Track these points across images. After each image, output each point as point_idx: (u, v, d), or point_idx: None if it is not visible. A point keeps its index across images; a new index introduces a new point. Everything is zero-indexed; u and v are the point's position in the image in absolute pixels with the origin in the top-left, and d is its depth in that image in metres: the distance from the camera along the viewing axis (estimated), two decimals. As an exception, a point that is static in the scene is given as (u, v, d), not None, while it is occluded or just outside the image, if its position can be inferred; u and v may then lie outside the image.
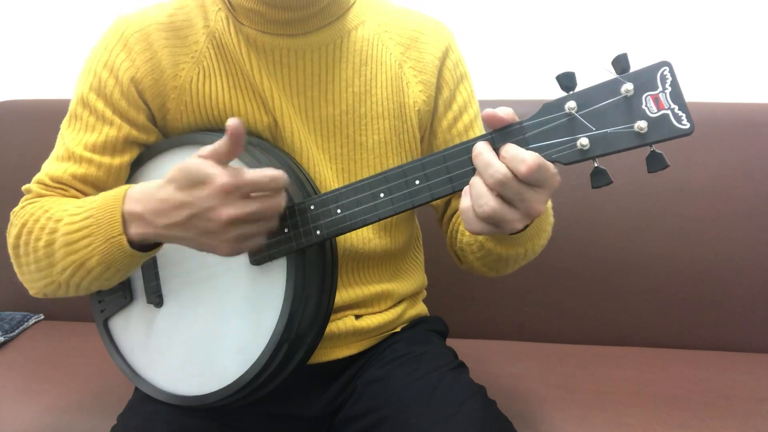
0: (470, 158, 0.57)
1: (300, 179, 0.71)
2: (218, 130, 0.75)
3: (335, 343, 0.80)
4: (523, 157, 0.53)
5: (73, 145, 0.72)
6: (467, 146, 0.57)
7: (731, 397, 0.98)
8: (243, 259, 0.68)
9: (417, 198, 0.59)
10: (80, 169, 0.72)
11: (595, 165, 0.55)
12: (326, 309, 0.71)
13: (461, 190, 0.58)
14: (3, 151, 1.31)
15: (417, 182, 0.59)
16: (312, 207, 0.64)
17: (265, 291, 0.67)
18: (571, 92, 0.54)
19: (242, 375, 0.67)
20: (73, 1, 1.47)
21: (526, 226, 0.65)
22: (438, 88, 0.81)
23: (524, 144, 0.55)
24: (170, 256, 0.73)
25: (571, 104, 0.54)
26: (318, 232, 0.63)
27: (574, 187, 1.18)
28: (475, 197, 0.56)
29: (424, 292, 0.94)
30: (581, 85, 0.54)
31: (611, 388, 1.00)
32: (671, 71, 0.52)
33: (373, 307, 0.83)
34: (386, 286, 0.83)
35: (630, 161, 1.18)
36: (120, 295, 0.76)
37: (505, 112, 0.56)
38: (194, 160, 0.58)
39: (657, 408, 0.95)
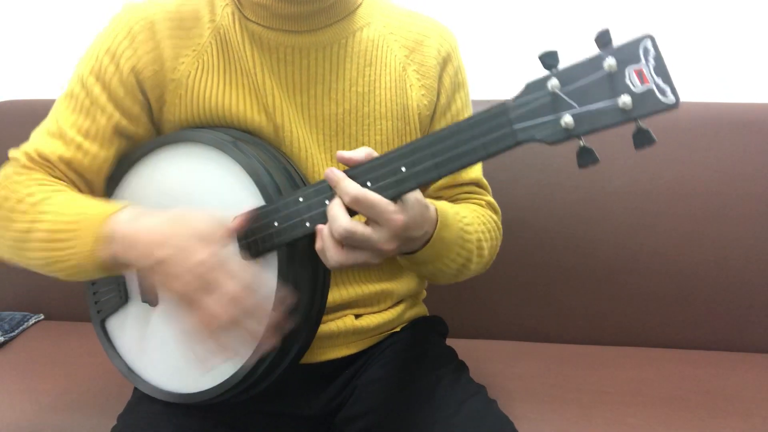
0: (455, 142, 0.56)
1: (289, 172, 0.70)
2: (210, 126, 0.75)
3: (335, 342, 0.80)
4: (339, 223, 0.57)
5: (66, 126, 0.73)
6: (453, 130, 0.57)
7: (731, 397, 0.98)
8: (233, 255, 0.67)
9: (403, 186, 0.58)
10: (68, 153, 0.72)
11: (581, 144, 0.54)
12: (320, 303, 0.71)
13: (448, 174, 0.58)
14: (3, 151, 1.31)
15: (403, 169, 0.58)
16: (300, 199, 0.63)
17: (256, 286, 0.66)
18: (554, 70, 0.53)
19: (236, 371, 0.67)
20: (73, 1, 1.47)
21: (423, 247, 0.66)
22: (438, 94, 0.81)
23: (508, 125, 0.55)
24: None
25: (553, 82, 0.53)
26: (308, 224, 0.62)
27: (573, 187, 1.18)
28: (325, 250, 0.60)
29: (424, 293, 0.94)
30: (565, 64, 0.54)
31: (611, 388, 1.00)
32: (654, 44, 0.51)
33: (372, 306, 0.83)
34: (386, 286, 0.83)
35: (629, 162, 1.19)
36: (116, 296, 0.76)
37: (359, 154, 0.60)
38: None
39: (657, 408, 0.95)
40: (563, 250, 1.19)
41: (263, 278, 0.65)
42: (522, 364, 1.10)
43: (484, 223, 0.78)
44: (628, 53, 0.51)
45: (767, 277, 1.15)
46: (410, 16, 0.82)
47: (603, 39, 0.52)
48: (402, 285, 0.85)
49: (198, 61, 0.74)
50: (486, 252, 0.76)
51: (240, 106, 0.74)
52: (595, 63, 0.52)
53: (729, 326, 1.17)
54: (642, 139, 0.52)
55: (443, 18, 0.85)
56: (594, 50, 0.52)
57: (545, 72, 0.54)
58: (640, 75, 0.51)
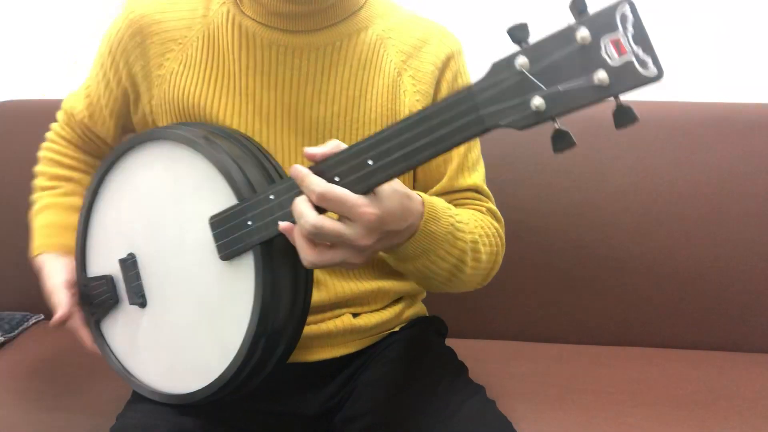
0: (421, 131, 0.53)
1: (264, 166, 0.68)
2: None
3: (333, 341, 0.80)
4: (306, 219, 0.55)
5: (92, 90, 0.85)
6: (418, 119, 0.53)
7: (731, 397, 0.98)
8: (213, 255, 0.67)
9: (373, 180, 0.55)
10: (86, 118, 0.87)
11: (556, 126, 0.49)
12: (303, 301, 0.69)
13: (417, 165, 0.54)
14: (3, 151, 1.31)
15: (370, 162, 0.55)
16: (272, 197, 0.60)
17: (236, 286, 0.65)
18: (523, 46, 0.48)
19: (224, 372, 0.66)
20: (73, 1, 1.47)
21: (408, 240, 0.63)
22: (433, 99, 0.80)
23: (474, 111, 0.50)
24: (149, 254, 0.72)
25: (521, 61, 0.48)
26: (281, 223, 0.60)
27: (574, 187, 1.18)
28: (298, 250, 0.58)
29: (424, 293, 0.94)
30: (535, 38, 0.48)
31: (611, 388, 1.00)
32: (633, 9, 0.45)
33: (370, 305, 0.83)
34: (382, 284, 0.82)
35: (629, 162, 1.18)
36: (107, 298, 0.76)
37: (326, 148, 0.57)
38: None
39: (657, 408, 0.95)
40: (563, 250, 1.19)
41: (238, 280, 0.65)
42: (522, 364, 1.09)
43: (482, 227, 0.74)
44: (603, 22, 0.45)
45: (767, 277, 1.15)
46: (414, 20, 0.81)
47: (578, 6, 0.46)
48: (399, 283, 0.85)
49: (182, 56, 0.75)
50: (483, 257, 0.72)
51: (215, 104, 0.75)
52: (566, 35, 0.47)
53: (729, 326, 1.17)
54: (622, 117, 0.46)
55: (449, 21, 0.85)
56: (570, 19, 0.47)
57: (515, 48, 0.49)
58: (618, 45, 0.45)
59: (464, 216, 0.71)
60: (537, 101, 0.48)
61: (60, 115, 0.91)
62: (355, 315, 0.81)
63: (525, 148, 1.20)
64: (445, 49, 0.80)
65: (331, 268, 0.59)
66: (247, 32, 0.74)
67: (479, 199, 0.82)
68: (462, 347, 0.89)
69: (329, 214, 0.56)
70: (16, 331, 1.22)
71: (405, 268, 0.67)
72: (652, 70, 0.44)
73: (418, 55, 0.79)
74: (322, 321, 0.79)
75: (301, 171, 0.57)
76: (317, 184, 0.55)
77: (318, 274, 0.78)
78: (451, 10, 1.35)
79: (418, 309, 0.91)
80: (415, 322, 0.89)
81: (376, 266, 0.83)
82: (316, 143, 0.75)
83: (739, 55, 1.30)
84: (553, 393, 0.99)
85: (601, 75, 0.45)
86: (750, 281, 1.15)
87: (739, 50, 1.30)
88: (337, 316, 0.80)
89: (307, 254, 0.57)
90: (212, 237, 0.66)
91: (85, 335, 0.78)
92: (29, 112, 1.34)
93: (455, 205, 0.78)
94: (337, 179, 0.56)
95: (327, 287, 0.78)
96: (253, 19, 0.75)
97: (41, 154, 0.90)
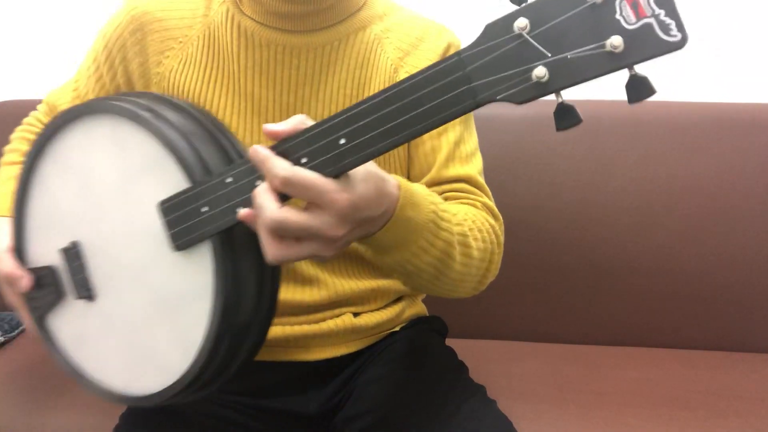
0: (404, 106, 0.46)
1: (220, 143, 0.60)
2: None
3: (333, 341, 0.80)
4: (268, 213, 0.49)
5: (81, 84, 0.83)
6: (399, 91, 0.46)
7: (731, 397, 0.98)
8: (165, 244, 0.59)
9: (345, 162, 0.48)
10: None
11: (560, 100, 0.43)
12: (270, 293, 0.63)
13: (397, 146, 0.48)
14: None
15: (342, 141, 0.48)
16: (228, 180, 0.53)
17: (194, 279, 0.58)
18: (523, 5, 0.42)
19: (185, 372, 0.60)
20: (73, 1, 1.47)
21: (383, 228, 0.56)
22: None
23: (465, 81, 0.44)
24: (95, 243, 0.64)
25: (521, 23, 0.42)
26: (239, 210, 0.53)
27: (574, 186, 1.18)
28: (262, 245, 0.51)
29: (424, 293, 0.94)
30: None
31: (611, 388, 1.00)
32: None
33: (369, 304, 0.83)
34: (382, 282, 0.82)
35: (629, 162, 1.18)
36: (50, 290, 0.68)
37: (288, 125, 0.51)
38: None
39: (657, 408, 0.95)
40: (563, 249, 1.19)
41: (196, 273, 0.58)
42: (522, 364, 1.10)
43: (473, 221, 0.68)
44: None
45: (767, 277, 1.15)
46: (413, 19, 0.81)
47: None
48: (399, 282, 0.85)
49: (182, 54, 0.76)
50: (475, 253, 0.66)
51: (214, 103, 0.75)
52: None
53: (729, 326, 1.17)
54: (638, 90, 0.40)
55: (450, 21, 0.84)
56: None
57: (513, 7, 0.43)
58: (635, 6, 0.39)
59: (452, 207, 0.66)
60: (539, 71, 0.42)
61: (41, 106, 0.88)
62: (355, 314, 0.81)
63: (525, 147, 1.20)
64: (442, 43, 0.80)
65: (298, 261, 0.54)
66: (246, 32, 0.75)
67: (473, 193, 0.76)
68: (462, 347, 0.89)
69: (297, 201, 0.50)
70: (16, 331, 1.22)
71: (385, 263, 0.60)
72: (676, 35, 0.39)
73: (415, 52, 0.79)
74: (323, 320, 0.79)
75: (261, 152, 0.50)
76: (280, 167, 0.49)
77: (317, 272, 0.78)
78: (451, 10, 1.35)
79: (419, 309, 0.91)
80: (416, 322, 0.89)
81: (375, 265, 0.83)
82: None
83: (738, 55, 1.30)
84: (553, 393, 0.99)
85: (615, 41, 0.39)
86: (750, 281, 1.15)
87: (738, 50, 1.30)
88: (337, 316, 0.80)
89: (270, 249, 0.50)
90: (163, 225, 0.58)
91: (24, 315, 0.70)
92: (29, 112, 1.33)
93: (445, 199, 0.73)
94: (304, 161, 0.49)
95: (327, 286, 0.78)
96: (253, 19, 0.75)
97: (15, 135, 0.86)
